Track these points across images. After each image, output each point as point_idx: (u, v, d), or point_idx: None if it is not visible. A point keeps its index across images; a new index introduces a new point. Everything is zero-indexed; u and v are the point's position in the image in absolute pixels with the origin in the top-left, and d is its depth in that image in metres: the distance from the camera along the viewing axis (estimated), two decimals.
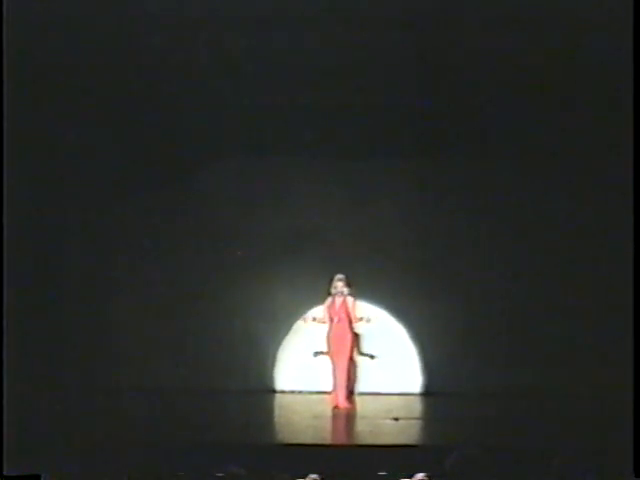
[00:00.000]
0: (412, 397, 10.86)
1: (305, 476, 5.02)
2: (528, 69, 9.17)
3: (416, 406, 10.43)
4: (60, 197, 10.22)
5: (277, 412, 10.22)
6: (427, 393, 11.03)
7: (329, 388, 9.96)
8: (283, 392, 11.13)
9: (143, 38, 8.71)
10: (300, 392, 11.02)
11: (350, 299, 9.98)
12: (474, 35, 8.62)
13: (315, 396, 10.50)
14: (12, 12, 6.90)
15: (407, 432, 8.51)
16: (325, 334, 10.02)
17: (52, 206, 10.05)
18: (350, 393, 10.03)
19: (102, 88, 9.42)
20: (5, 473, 5.81)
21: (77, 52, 8.83)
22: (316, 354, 10.09)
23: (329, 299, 10.00)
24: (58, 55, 8.79)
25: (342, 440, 8.61)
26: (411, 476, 5.00)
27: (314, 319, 10.10)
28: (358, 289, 10.11)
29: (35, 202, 9.45)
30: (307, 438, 7.98)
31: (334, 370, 9.91)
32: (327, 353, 10.02)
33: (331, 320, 9.96)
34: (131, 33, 8.63)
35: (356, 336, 10.15)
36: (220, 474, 4.51)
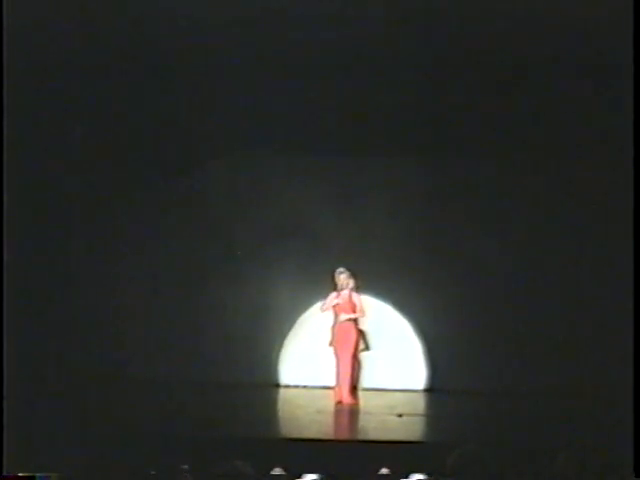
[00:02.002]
0: (416, 393, 10.90)
1: (303, 475, 5.03)
2: (529, 69, 9.18)
3: (420, 402, 10.45)
4: (62, 195, 10.24)
5: (281, 406, 10.26)
6: (431, 390, 11.06)
7: (333, 383, 9.99)
8: (287, 386, 11.16)
9: (142, 38, 8.73)
10: (304, 387, 11.05)
11: (356, 295, 9.99)
12: (474, 35, 8.61)
13: (319, 391, 10.54)
14: (12, 11, 6.90)
15: (411, 428, 8.53)
16: (330, 328, 10.05)
17: (54, 203, 10.07)
18: (354, 388, 10.05)
19: (102, 87, 9.46)
20: (4, 473, 5.83)
21: (76, 52, 8.85)
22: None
23: (333, 294, 10.02)
24: (57, 54, 8.81)
25: (345, 435, 8.64)
26: (408, 476, 5.01)
27: (333, 306, 10.04)
28: (363, 284, 10.13)
29: (37, 198, 9.48)
30: (311, 433, 8.01)
31: (338, 365, 9.93)
32: (331, 347, 10.05)
33: (336, 315, 9.99)
34: (130, 33, 8.64)
35: (361, 332, 10.17)
36: (224, 469, 4.53)
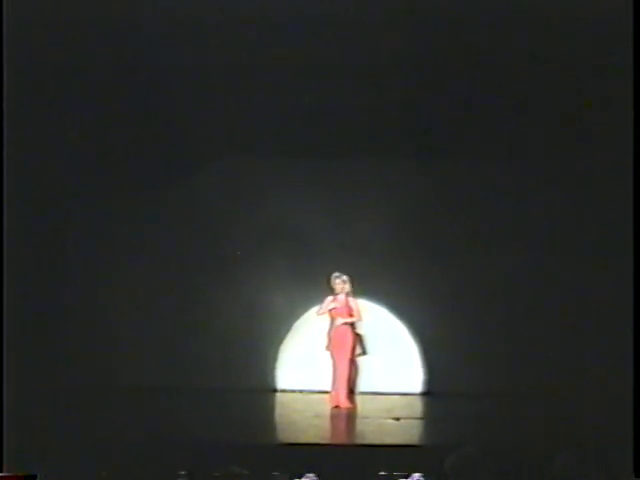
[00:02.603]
0: (413, 397, 10.87)
1: (303, 476, 5.02)
2: (528, 69, 9.18)
3: (417, 406, 10.43)
4: (59, 198, 10.24)
5: (278, 411, 10.22)
6: (428, 393, 11.04)
7: (329, 387, 9.96)
8: (284, 391, 11.12)
9: (141, 40, 8.73)
10: (301, 391, 11.02)
11: (352, 299, 9.97)
12: (472, 35, 8.61)
13: (316, 395, 10.49)
14: (12, 11, 6.89)
15: (408, 432, 8.51)
16: (326, 333, 10.03)
17: (52, 205, 10.07)
18: (351, 392, 10.03)
19: (99, 90, 9.46)
20: (5, 473, 5.81)
21: (75, 54, 8.85)
22: None
23: (330, 298, 9.99)
24: (56, 55, 8.81)
25: (343, 440, 8.61)
26: (408, 476, 5.00)
27: (330, 310, 10.02)
28: (359, 288, 10.12)
29: (35, 201, 9.47)
30: (308, 437, 7.97)
31: (334, 369, 9.90)
32: (328, 351, 10.03)
33: (332, 319, 9.96)
34: (130, 34, 8.64)
35: (357, 336, 10.15)
36: (222, 473, 4.52)
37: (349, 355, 9.93)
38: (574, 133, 9.98)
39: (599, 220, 10.24)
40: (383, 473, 5.47)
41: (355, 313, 9.96)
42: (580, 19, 8.11)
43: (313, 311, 10.58)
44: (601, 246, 10.22)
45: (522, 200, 10.92)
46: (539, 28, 8.38)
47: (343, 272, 10.00)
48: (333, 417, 9.46)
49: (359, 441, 8.26)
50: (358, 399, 10.09)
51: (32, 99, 8.63)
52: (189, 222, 11.16)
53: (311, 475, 4.92)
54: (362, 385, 10.60)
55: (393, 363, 11.02)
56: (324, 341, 10.06)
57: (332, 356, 9.96)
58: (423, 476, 4.93)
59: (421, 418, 9.76)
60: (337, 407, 9.73)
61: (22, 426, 6.73)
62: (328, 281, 9.97)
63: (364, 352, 10.44)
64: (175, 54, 9.03)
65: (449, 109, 10.09)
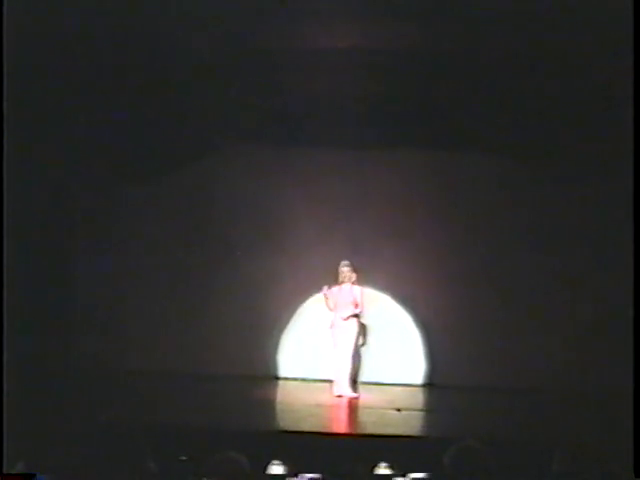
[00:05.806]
0: (415, 388, 10.87)
1: (297, 475, 5.00)
2: (530, 68, 9.17)
3: (419, 397, 10.43)
4: (62, 187, 10.27)
5: (279, 399, 10.21)
6: (430, 385, 11.03)
7: (332, 376, 9.96)
8: (286, 379, 11.12)
9: (141, 35, 8.73)
10: (303, 380, 11.02)
11: (357, 288, 9.96)
12: (473, 33, 8.60)
13: (318, 384, 10.51)
14: (13, 8, 6.87)
15: (409, 423, 8.52)
16: (330, 322, 10.02)
17: (55, 193, 10.09)
18: (353, 382, 10.04)
19: (100, 85, 9.49)
20: (4, 472, 5.81)
21: (76, 46, 8.84)
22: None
23: (335, 287, 9.99)
24: (57, 51, 8.81)
25: (344, 429, 8.62)
26: (405, 475, 4.99)
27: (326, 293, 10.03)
28: (364, 278, 10.11)
29: (38, 193, 9.49)
30: (309, 426, 7.99)
31: (338, 359, 9.90)
32: (331, 341, 10.03)
33: (337, 308, 9.95)
34: (130, 30, 8.64)
35: (361, 326, 10.15)
36: (221, 460, 4.51)
37: (352, 345, 9.94)
38: (575, 130, 9.98)
39: (602, 221, 10.22)
40: (383, 465, 5.46)
41: (359, 304, 9.96)
42: (580, 18, 8.08)
43: (315, 299, 10.58)
44: (602, 243, 10.20)
45: (527, 194, 10.89)
46: (541, 26, 8.36)
47: (348, 260, 10.00)
48: (334, 406, 9.46)
49: (360, 431, 8.28)
50: (360, 389, 10.11)
51: (32, 94, 8.64)
52: (193, 212, 11.16)
53: (306, 477, 4.91)
54: (364, 375, 10.63)
55: (396, 354, 11.01)
56: (326, 329, 10.06)
57: (335, 345, 9.95)
58: (424, 468, 4.92)
59: (422, 410, 9.76)
60: (339, 396, 9.73)
61: (22, 426, 6.73)
62: (332, 270, 9.96)
63: (365, 342, 10.47)
64: (176, 46, 9.03)
65: (450, 103, 10.10)
